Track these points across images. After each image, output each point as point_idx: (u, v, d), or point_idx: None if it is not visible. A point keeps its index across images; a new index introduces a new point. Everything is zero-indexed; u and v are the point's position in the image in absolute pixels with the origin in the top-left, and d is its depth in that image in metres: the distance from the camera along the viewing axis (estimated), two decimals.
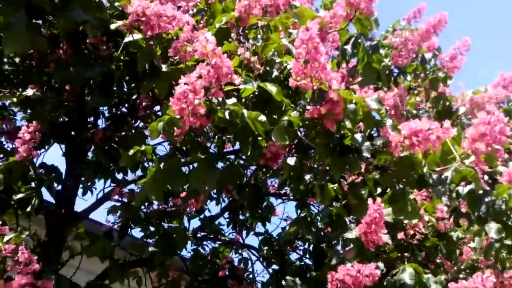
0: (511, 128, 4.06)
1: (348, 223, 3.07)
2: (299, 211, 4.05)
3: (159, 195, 2.35)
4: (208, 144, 4.11)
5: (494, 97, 3.66)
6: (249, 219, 4.40)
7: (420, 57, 3.94)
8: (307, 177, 2.58)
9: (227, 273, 4.00)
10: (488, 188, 2.52)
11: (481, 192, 2.27)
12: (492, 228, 2.56)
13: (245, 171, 4.42)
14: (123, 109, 4.07)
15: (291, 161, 2.53)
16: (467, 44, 3.84)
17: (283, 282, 3.28)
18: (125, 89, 3.56)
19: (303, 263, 3.80)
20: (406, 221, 2.91)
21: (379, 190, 2.79)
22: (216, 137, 3.87)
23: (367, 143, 2.34)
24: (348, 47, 2.77)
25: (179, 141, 2.30)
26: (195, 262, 4.16)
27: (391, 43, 3.62)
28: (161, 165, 2.33)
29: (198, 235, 4.35)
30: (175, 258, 4.25)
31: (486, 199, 2.27)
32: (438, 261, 3.12)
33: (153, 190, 2.31)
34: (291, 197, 4.45)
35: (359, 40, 2.73)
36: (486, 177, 3.11)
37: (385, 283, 2.74)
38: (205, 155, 2.44)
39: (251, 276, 4.30)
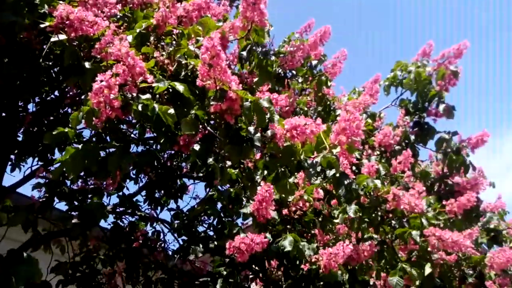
0: (375, 128, 4.50)
1: (244, 201, 3.24)
2: (208, 189, 4.20)
3: (76, 173, 2.35)
4: (131, 130, 4.18)
5: (363, 103, 4.00)
6: (163, 197, 4.44)
7: (308, 64, 4.20)
8: (210, 160, 2.68)
9: (140, 241, 4.05)
10: (351, 175, 2.77)
11: (338, 175, 2.49)
12: (351, 209, 2.84)
13: (163, 155, 4.47)
14: (52, 96, 3.97)
15: (197, 147, 2.63)
16: (344, 54, 4.13)
17: (190, 250, 3.40)
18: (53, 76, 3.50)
19: (207, 235, 3.93)
20: (289, 200, 3.11)
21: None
22: (138, 125, 3.92)
23: (259, 135, 2.50)
24: (244, 53, 2.92)
25: (100, 127, 2.34)
26: (114, 234, 4.16)
27: (286, 51, 3.84)
28: (80, 146, 2.33)
29: (118, 210, 4.33)
30: (96, 229, 4.22)
31: (345, 182, 2.49)
32: (313, 232, 3.36)
33: (72, 169, 2.30)
34: (201, 179, 4.55)
35: (254, 48, 2.88)
36: (354, 168, 3.42)
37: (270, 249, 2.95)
38: (121, 142, 2.46)
39: (163, 245, 4.37)
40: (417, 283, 3.00)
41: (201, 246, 3.22)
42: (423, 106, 4.38)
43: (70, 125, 2.29)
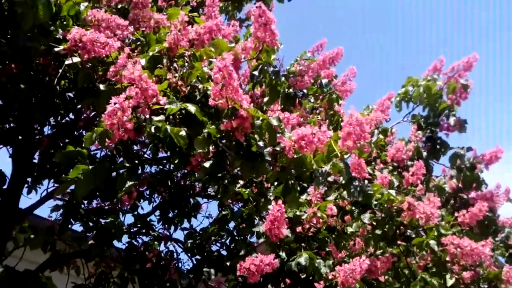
0: (387, 144, 4.51)
1: (257, 220, 3.27)
2: (220, 208, 4.24)
3: (85, 192, 2.37)
4: (144, 150, 4.25)
5: (374, 118, 4.02)
6: (176, 217, 4.49)
7: (319, 83, 4.26)
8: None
9: (153, 261, 4.07)
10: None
11: (348, 179, 2.50)
12: (366, 216, 2.85)
13: (176, 174, 4.53)
14: (67, 119, 4.08)
15: (207, 164, 2.66)
16: (353, 72, 4.17)
17: (203, 270, 3.41)
18: (68, 99, 3.61)
19: (221, 254, 3.95)
20: (303, 217, 3.12)
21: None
22: (151, 145, 4.00)
23: (269, 149, 2.53)
24: (256, 73, 2.98)
25: (111, 149, 2.39)
26: (129, 254, 4.20)
27: (296, 71, 3.91)
28: (92, 166, 2.36)
29: (132, 230, 4.39)
30: (111, 249, 4.27)
31: (355, 183, 2.50)
32: (328, 249, 3.35)
33: (82, 187, 2.33)
34: (214, 197, 4.59)
35: (265, 68, 2.93)
36: (366, 182, 3.43)
37: (285, 267, 2.96)
38: (131, 162, 2.51)
39: (177, 265, 4.39)
40: None
41: (213, 268, 3.24)
42: (434, 120, 4.38)
43: (83, 145, 2.34)
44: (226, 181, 2.60)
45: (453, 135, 4.51)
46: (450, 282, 3.03)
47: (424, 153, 4.29)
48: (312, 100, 4.50)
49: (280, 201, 2.68)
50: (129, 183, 2.40)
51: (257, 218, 3.28)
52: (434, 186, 4.27)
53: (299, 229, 3.23)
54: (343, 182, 2.45)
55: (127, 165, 2.50)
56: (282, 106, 3.54)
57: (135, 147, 4.15)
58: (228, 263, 3.57)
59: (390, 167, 4.08)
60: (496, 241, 4.52)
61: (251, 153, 2.52)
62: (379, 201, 2.88)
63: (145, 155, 4.28)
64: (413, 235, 3.00)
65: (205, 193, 4.70)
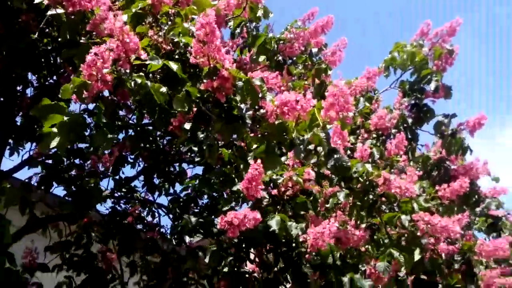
0: (371, 111, 4.52)
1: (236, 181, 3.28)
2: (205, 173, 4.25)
3: (62, 146, 2.26)
4: (130, 116, 4.23)
5: (359, 86, 4.02)
6: (161, 183, 4.52)
7: (309, 51, 4.23)
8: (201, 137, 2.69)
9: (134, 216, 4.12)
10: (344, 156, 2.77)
11: (327, 151, 2.50)
12: (342, 193, 2.88)
13: (162, 141, 4.54)
14: (51, 80, 4.04)
15: (187, 126, 2.65)
16: (344, 43, 4.13)
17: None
18: (52, 61, 3.56)
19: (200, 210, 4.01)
20: (280, 180, 3.12)
21: None
22: (136, 110, 4.00)
23: (250, 112, 2.53)
24: (238, 29, 2.93)
25: (88, 102, 2.34)
26: (112, 217, 4.24)
27: (287, 38, 3.88)
28: (66, 119, 2.25)
29: (115, 195, 4.41)
30: (94, 213, 4.30)
31: (335, 156, 2.51)
32: (302, 212, 3.34)
33: (57, 141, 2.22)
34: (199, 163, 4.61)
35: (248, 24, 2.89)
36: (348, 152, 3.45)
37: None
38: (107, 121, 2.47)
39: (159, 229, 4.45)
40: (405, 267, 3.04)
41: (193, 219, 3.26)
42: (420, 86, 4.36)
43: (61, 96, 2.26)
44: (208, 142, 2.58)
45: (444, 105, 4.53)
46: (417, 256, 3.06)
47: (410, 120, 4.29)
48: (300, 67, 4.49)
49: (259, 161, 2.66)
50: (108, 136, 2.35)
51: (237, 179, 3.28)
52: (421, 156, 4.29)
53: (274, 192, 3.24)
54: (323, 153, 2.45)
55: (105, 121, 2.45)
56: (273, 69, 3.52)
57: (121, 112, 4.15)
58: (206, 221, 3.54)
59: (374, 136, 4.10)
60: (475, 212, 4.61)
61: (232, 115, 2.52)
62: (357, 173, 2.90)
63: (130, 121, 4.29)
64: (387, 210, 3.03)
65: (190, 159, 4.73)
